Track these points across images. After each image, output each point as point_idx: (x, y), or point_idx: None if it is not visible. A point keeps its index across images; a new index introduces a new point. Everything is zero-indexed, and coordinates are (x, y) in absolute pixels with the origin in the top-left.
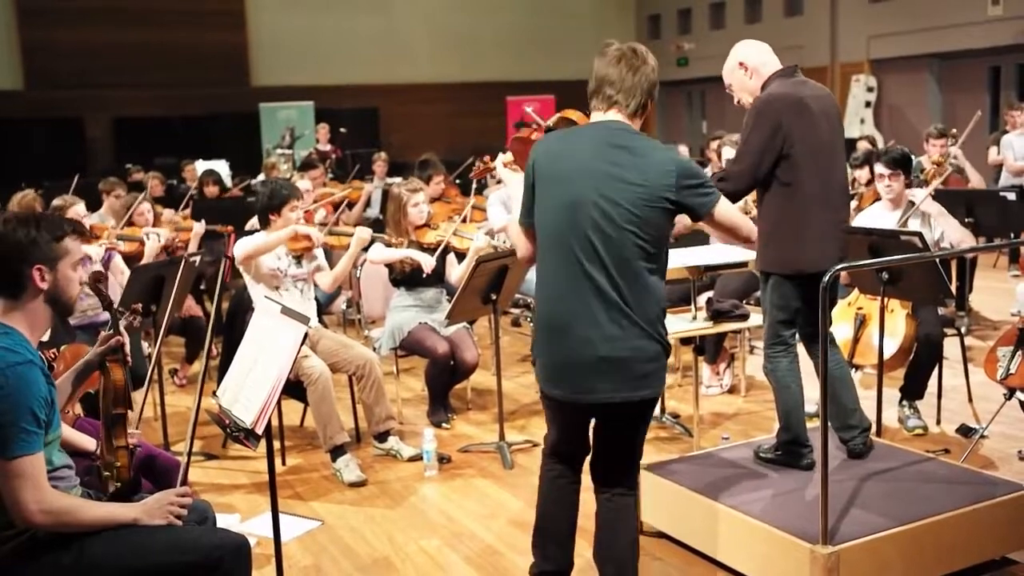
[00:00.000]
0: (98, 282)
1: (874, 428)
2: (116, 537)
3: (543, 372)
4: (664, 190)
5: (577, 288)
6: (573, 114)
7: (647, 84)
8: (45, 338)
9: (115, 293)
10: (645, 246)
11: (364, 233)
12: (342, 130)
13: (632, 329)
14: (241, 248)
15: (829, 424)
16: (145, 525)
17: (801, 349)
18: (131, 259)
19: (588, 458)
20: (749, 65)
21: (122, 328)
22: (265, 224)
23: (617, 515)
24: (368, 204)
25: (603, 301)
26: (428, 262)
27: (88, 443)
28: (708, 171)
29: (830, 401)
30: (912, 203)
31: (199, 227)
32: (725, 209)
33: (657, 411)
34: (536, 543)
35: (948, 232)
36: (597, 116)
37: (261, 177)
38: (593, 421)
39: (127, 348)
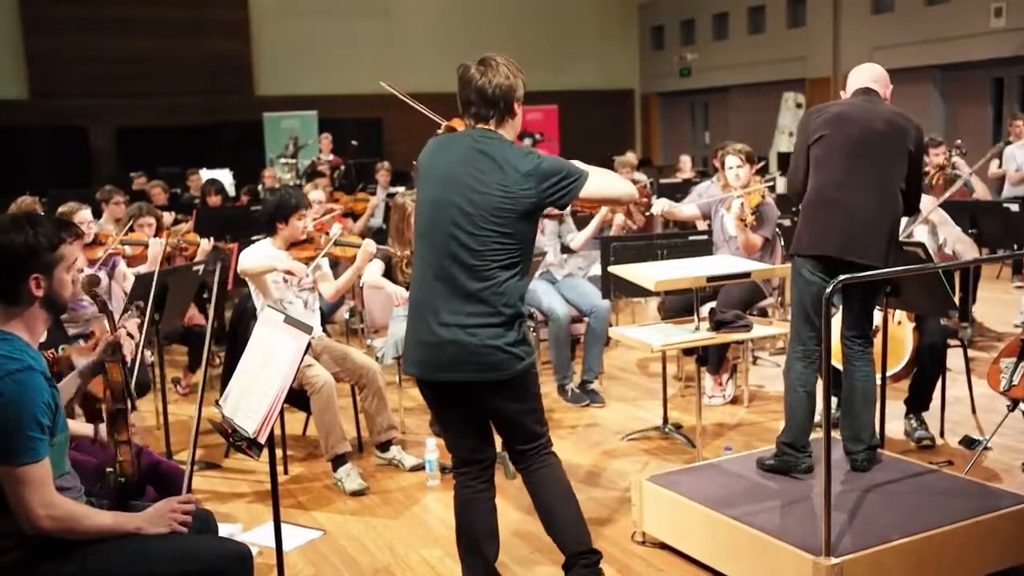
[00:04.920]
0: (93, 286)
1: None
2: (118, 546)
3: (405, 352)
4: (525, 196)
5: (437, 278)
6: (458, 124)
7: (502, 91)
8: (43, 339)
9: (119, 299)
10: (506, 246)
11: (370, 247)
12: (354, 143)
13: (485, 320)
14: (242, 263)
15: (837, 432)
16: (148, 534)
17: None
18: (134, 265)
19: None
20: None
21: (123, 328)
22: (271, 232)
23: (542, 487)
24: (371, 214)
25: (459, 294)
26: (400, 295)
27: (86, 429)
28: (714, 180)
29: (848, 412)
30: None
31: (206, 244)
32: (591, 188)
33: (659, 421)
34: (459, 552)
35: (951, 241)
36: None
37: (260, 187)
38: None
39: (125, 347)
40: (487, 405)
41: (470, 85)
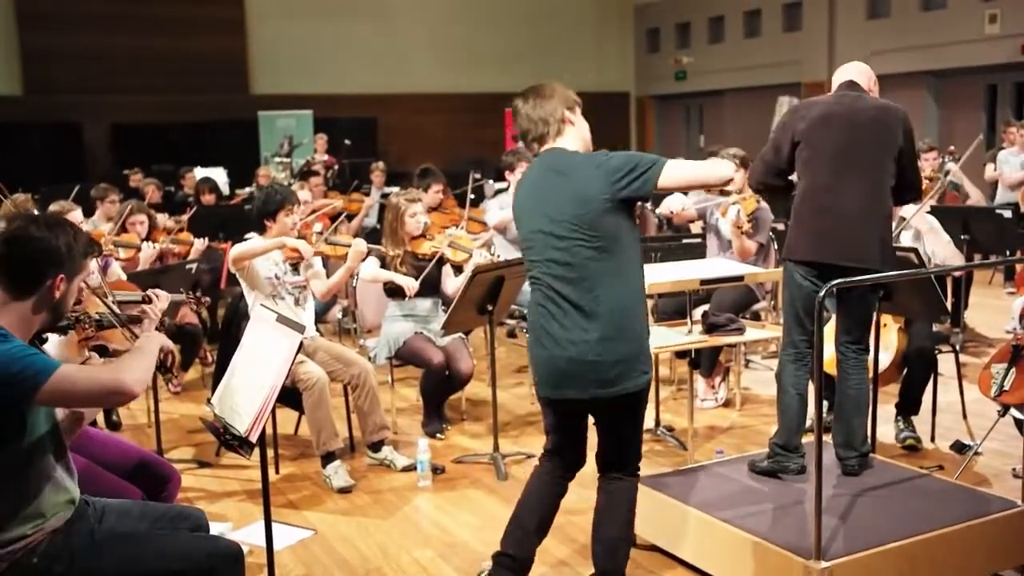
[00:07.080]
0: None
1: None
2: (108, 547)
3: (534, 374)
4: (600, 195)
5: (549, 299)
6: None
7: (554, 109)
8: None
9: None
10: (597, 247)
11: (361, 246)
12: (347, 142)
13: (597, 333)
14: (234, 250)
15: (829, 438)
16: (141, 517)
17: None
18: (126, 266)
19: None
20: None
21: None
22: (261, 229)
23: (611, 499)
24: (366, 215)
25: (570, 309)
26: (411, 286)
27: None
28: None
29: (841, 419)
30: (903, 218)
31: (199, 243)
32: (671, 174)
33: (652, 424)
34: (507, 530)
35: (937, 249)
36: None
37: (253, 186)
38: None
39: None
40: (601, 416)
41: (519, 115)
